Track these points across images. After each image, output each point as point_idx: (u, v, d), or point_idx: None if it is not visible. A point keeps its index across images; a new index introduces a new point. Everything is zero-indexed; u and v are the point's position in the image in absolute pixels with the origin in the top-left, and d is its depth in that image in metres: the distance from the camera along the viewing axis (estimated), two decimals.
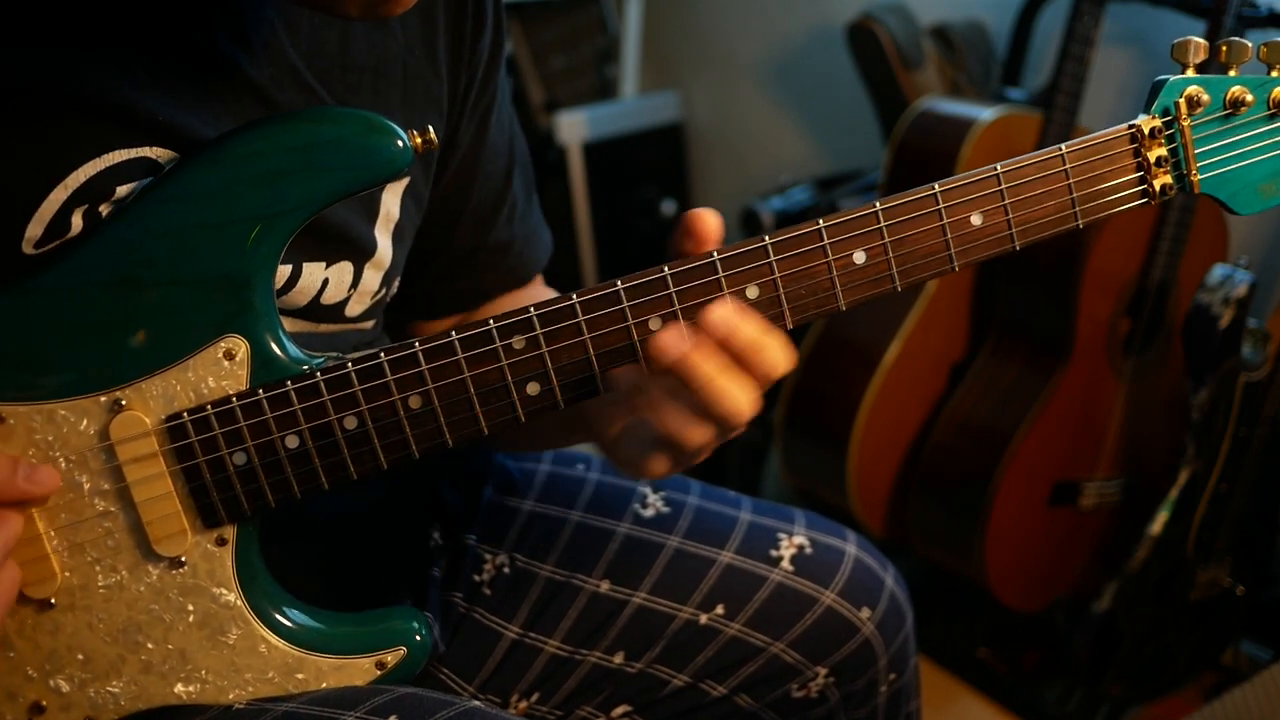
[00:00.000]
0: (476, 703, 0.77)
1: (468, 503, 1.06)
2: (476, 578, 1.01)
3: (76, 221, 0.71)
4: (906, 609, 1.03)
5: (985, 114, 1.79)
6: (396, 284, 0.91)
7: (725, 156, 2.74)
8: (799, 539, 1.01)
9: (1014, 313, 1.89)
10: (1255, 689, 1.42)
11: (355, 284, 0.86)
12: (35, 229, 0.70)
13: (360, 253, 0.85)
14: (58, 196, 0.69)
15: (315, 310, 0.84)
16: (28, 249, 0.70)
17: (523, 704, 0.99)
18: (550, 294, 1.05)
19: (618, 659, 0.98)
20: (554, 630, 0.98)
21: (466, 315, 1.03)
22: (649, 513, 1.02)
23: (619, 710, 1.00)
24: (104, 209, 0.71)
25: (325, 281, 0.83)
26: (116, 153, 0.71)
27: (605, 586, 0.99)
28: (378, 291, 0.88)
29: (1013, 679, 1.96)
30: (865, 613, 0.99)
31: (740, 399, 0.71)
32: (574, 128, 2.50)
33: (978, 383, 1.91)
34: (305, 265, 0.81)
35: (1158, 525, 1.70)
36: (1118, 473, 1.90)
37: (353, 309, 0.87)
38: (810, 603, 0.98)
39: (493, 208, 0.99)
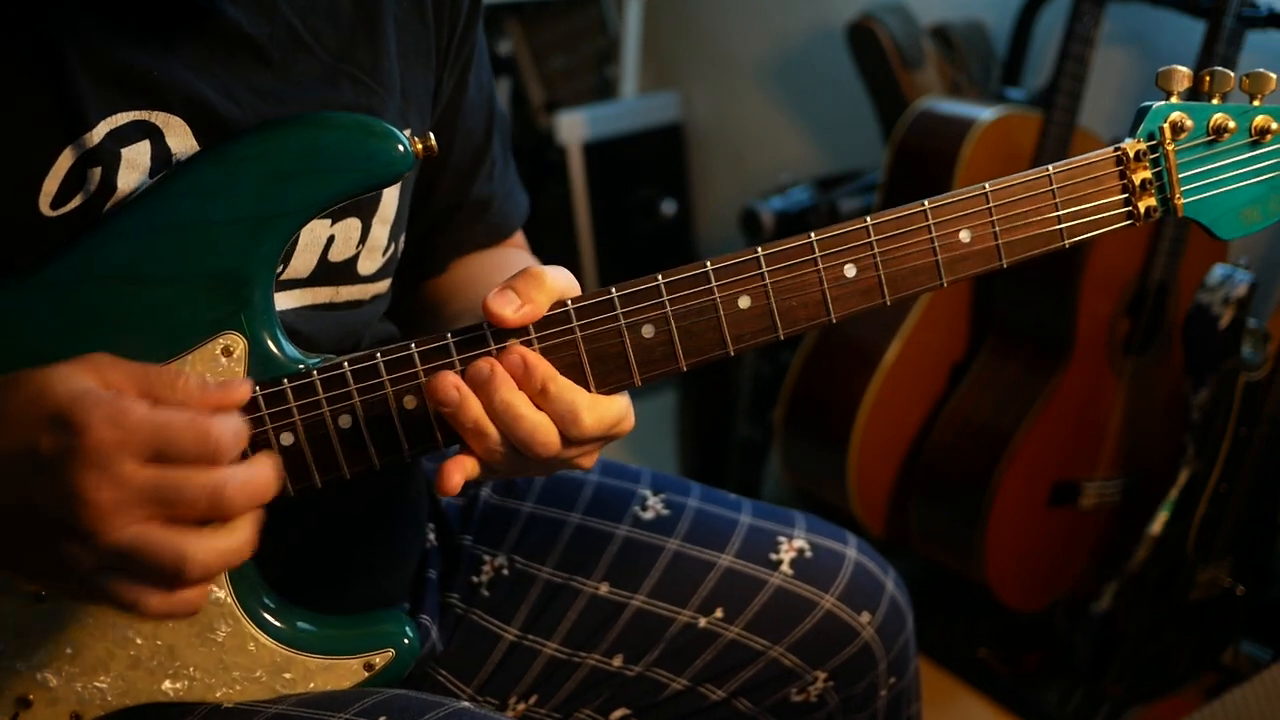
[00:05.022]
0: (465, 704, 0.77)
1: (464, 503, 1.06)
2: (475, 579, 1.01)
3: (95, 175, 0.71)
4: (907, 612, 1.03)
5: (985, 114, 1.79)
6: (403, 240, 0.91)
7: (725, 156, 2.74)
8: (799, 542, 1.00)
9: (1014, 312, 1.88)
10: (1255, 689, 1.41)
11: (364, 239, 0.86)
12: (50, 184, 0.70)
13: (368, 209, 0.86)
14: (69, 156, 0.70)
15: (327, 272, 0.84)
16: (46, 209, 0.71)
17: (521, 706, 0.99)
18: (527, 254, 1.06)
19: (617, 662, 0.98)
20: (553, 632, 0.98)
21: (439, 274, 1.03)
22: (649, 515, 1.01)
23: (618, 713, 0.99)
24: (117, 170, 0.72)
25: (331, 239, 0.83)
26: (120, 115, 0.71)
27: (604, 589, 0.98)
28: (387, 247, 0.88)
29: (1013, 679, 1.96)
30: (865, 617, 0.99)
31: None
32: (574, 128, 2.50)
33: (978, 383, 1.91)
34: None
35: (1158, 525, 1.69)
36: (1118, 473, 1.89)
37: (364, 266, 0.87)
38: (810, 606, 0.98)
39: (472, 163, 1.00)
